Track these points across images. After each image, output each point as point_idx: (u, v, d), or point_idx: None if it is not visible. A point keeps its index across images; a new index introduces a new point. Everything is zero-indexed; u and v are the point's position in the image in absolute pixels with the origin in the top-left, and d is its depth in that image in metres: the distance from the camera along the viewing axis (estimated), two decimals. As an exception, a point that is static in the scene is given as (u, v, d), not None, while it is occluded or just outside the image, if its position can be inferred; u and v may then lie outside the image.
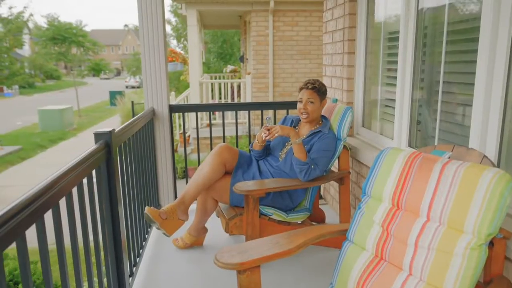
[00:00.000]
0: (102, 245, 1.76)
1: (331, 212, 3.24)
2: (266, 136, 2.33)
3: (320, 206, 3.10)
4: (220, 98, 8.82)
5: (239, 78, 11.87)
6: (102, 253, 1.75)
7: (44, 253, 1.14)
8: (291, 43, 8.31)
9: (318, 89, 2.45)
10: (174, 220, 2.22)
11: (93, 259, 1.60)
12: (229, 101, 8.81)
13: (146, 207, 2.17)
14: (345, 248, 1.61)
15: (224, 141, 3.47)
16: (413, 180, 1.42)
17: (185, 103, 9.08)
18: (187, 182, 3.47)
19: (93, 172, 1.62)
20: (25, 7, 15.44)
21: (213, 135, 3.24)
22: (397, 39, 2.42)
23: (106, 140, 1.75)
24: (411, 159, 1.46)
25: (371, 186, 1.59)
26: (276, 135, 2.30)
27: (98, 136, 1.74)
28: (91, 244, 1.56)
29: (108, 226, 1.79)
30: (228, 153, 2.44)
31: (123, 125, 2.10)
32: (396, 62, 2.41)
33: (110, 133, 1.76)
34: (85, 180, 1.50)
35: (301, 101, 2.45)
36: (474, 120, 1.65)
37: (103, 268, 1.77)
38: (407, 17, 2.17)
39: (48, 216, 1.19)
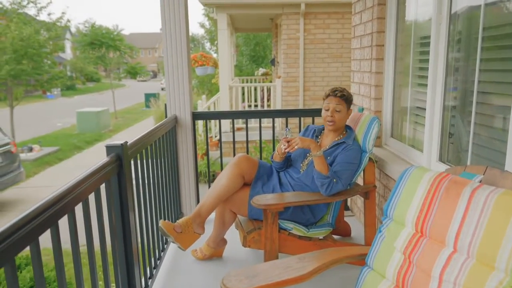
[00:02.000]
0: (112, 259, 1.72)
1: (357, 225, 3.08)
2: (285, 148, 2.23)
3: (346, 218, 2.96)
4: (250, 102, 8.77)
5: (270, 81, 11.79)
6: (111, 267, 1.72)
7: (40, 277, 1.10)
8: (322, 46, 8.13)
9: (346, 98, 2.34)
10: (189, 234, 2.16)
11: (101, 274, 1.57)
12: (259, 104, 8.74)
13: (161, 221, 2.12)
14: (363, 274, 1.49)
15: (247, 148, 3.40)
16: (439, 205, 1.28)
17: (215, 106, 9.10)
18: (209, 183, 3.43)
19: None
20: (63, 13, 16.09)
21: (242, 139, 3.16)
22: (429, 44, 2.26)
23: (117, 153, 1.71)
24: (437, 181, 1.32)
25: (393, 208, 1.46)
26: (295, 147, 2.20)
27: (109, 149, 1.71)
28: (98, 258, 1.53)
29: (119, 239, 1.75)
30: (247, 164, 2.36)
31: (139, 136, 2.06)
32: (427, 69, 2.25)
33: (122, 146, 1.72)
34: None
35: (327, 109, 2.34)
36: (511, 137, 1.49)
37: (111, 282, 1.73)
38: (438, 21, 2.02)
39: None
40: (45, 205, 1.12)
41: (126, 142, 1.78)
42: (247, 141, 3.37)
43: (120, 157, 1.72)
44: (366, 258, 1.51)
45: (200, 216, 2.22)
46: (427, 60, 2.24)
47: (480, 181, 1.27)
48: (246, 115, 3.32)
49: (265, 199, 2.18)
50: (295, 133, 2.46)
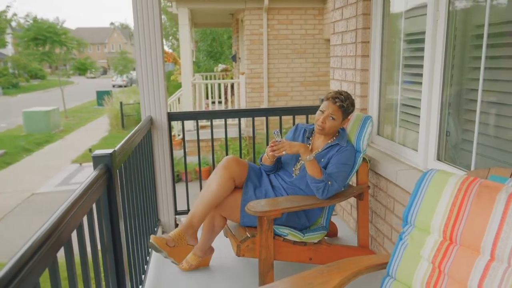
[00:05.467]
0: (104, 276, 1.54)
1: (342, 224, 3.05)
2: (271, 152, 2.14)
3: (332, 218, 2.91)
4: (214, 99, 8.58)
5: (231, 78, 11.62)
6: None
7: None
8: (286, 42, 8.09)
9: (345, 109, 2.21)
10: (183, 247, 1.99)
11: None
12: (223, 101, 8.57)
13: (151, 236, 1.94)
14: (386, 285, 1.41)
15: (226, 148, 3.25)
16: (471, 210, 1.22)
17: (176, 104, 8.82)
18: (187, 186, 3.25)
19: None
20: (7, 7, 14.92)
21: (207, 137, 3.01)
22: (418, 40, 2.23)
23: (106, 164, 1.52)
24: (465, 186, 1.26)
25: (415, 214, 1.39)
26: (283, 153, 2.11)
27: (97, 159, 1.51)
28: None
29: (110, 255, 1.57)
30: (237, 166, 2.22)
31: (123, 142, 1.87)
32: (417, 66, 2.22)
33: (111, 155, 1.53)
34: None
35: (322, 112, 2.23)
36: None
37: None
38: (435, 18, 1.98)
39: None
40: (38, 241, 0.92)
41: (115, 151, 1.59)
42: (226, 141, 3.22)
43: (109, 168, 1.53)
44: (387, 267, 1.43)
45: (192, 226, 2.06)
46: (418, 57, 2.21)
47: (513, 185, 1.23)
48: (224, 114, 3.18)
49: (260, 205, 2.06)
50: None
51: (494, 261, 1.15)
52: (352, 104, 2.25)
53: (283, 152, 2.14)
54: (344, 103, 2.19)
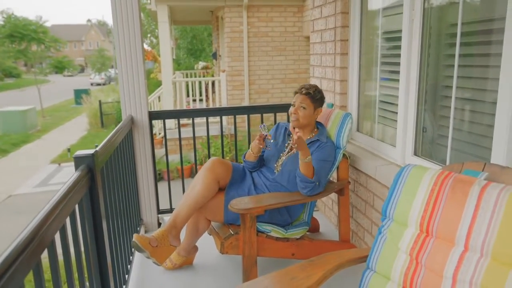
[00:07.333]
0: (88, 280, 1.54)
1: (324, 219, 3.10)
2: (262, 145, 2.18)
3: (313, 214, 2.96)
4: (195, 97, 8.55)
5: (212, 75, 11.58)
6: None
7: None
8: (266, 39, 8.12)
9: (312, 96, 2.27)
10: (165, 247, 1.99)
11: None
12: (204, 99, 8.55)
13: (135, 235, 1.93)
14: (366, 277, 1.46)
15: (209, 149, 3.26)
16: (445, 204, 1.27)
17: (158, 102, 8.75)
18: (169, 185, 3.23)
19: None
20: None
21: (187, 135, 2.99)
22: (395, 38, 2.28)
23: (88, 164, 1.51)
24: (440, 180, 1.31)
25: (393, 208, 1.44)
26: (298, 135, 1.99)
27: (79, 160, 1.50)
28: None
29: (94, 257, 1.56)
30: (222, 168, 2.24)
31: (104, 142, 1.86)
32: (394, 64, 2.28)
33: (93, 155, 1.53)
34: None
35: (293, 105, 2.28)
36: (498, 131, 1.53)
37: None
38: (411, 17, 2.03)
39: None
40: (22, 244, 0.91)
41: (97, 151, 1.58)
42: (208, 139, 3.22)
43: (91, 169, 1.52)
44: (367, 260, 1.47)
45: (175, 227, 2.06)
46: (395, 55, 2.27)
47: (485, 179, 1.28)
48: (207, 113, 3.18)
49: (244, 202, 2.08)
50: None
51: (468, 252, 1.20)
52: (319, 91, 2.30)
53: (298, 134, 2.02)
54: (310, 90, 2.26)
